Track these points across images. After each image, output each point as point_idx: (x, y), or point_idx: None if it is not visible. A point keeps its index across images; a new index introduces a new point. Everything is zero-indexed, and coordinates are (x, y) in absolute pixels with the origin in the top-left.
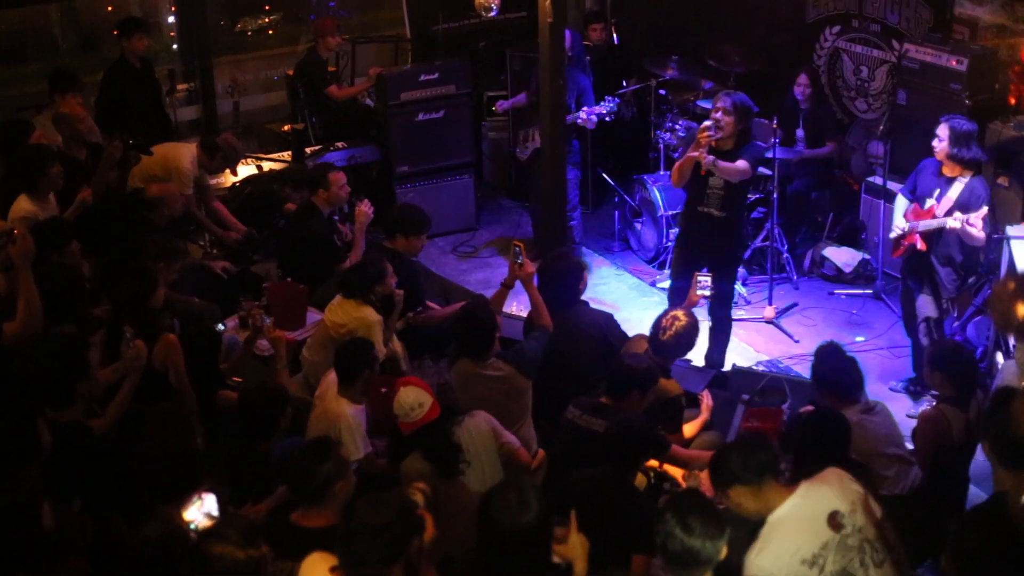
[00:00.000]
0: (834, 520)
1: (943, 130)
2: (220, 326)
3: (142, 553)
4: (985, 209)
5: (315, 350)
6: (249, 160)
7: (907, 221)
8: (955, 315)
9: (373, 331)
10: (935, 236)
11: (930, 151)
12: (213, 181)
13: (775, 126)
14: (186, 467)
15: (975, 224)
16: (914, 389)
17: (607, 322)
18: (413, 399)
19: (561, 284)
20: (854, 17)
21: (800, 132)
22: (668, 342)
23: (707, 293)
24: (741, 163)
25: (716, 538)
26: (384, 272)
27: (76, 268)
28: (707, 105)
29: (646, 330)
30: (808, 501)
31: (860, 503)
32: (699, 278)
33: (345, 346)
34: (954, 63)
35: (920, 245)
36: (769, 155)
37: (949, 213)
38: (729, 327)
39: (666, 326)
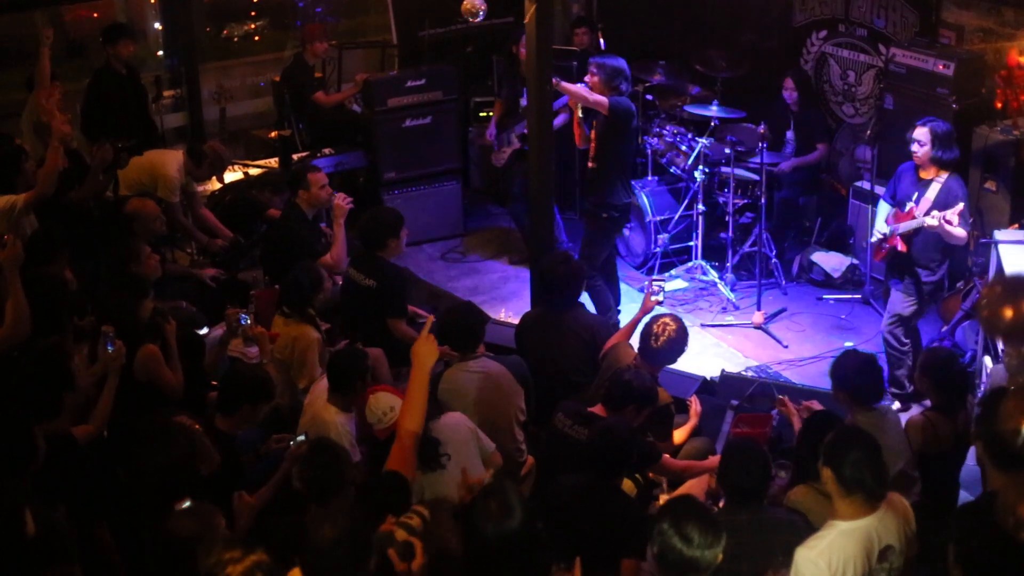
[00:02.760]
0: (885, 554)
1: (924, 134)
2: (204, 330)
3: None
4: (961, 205)
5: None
6: (236, 167)
7: (888, 225)
8: (942, 320)
9: (311, 351)
10: (914, 237)
11: None
12: (199, 188)
13: (763, 131)
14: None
15: (952, 221)
16: (895, 391)
17: (599, 325)
18: (384, 404)
19: (564, 287)
20: (840, 22)
21: (790, 134)
22: (661, 349)
23: (661, 298)
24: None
25: (714, 545)
26: (319, 280)
27: (61, 277)
28: (694, 110)
29: (634, 335)
30: (879, 526)
31: (907, 545)
32: (654, 285)
33: (339, 356)
34: (941, 67)
35: (901, 247)
36: (756, 161)
37: (927, 214)
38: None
39: (658, 333)
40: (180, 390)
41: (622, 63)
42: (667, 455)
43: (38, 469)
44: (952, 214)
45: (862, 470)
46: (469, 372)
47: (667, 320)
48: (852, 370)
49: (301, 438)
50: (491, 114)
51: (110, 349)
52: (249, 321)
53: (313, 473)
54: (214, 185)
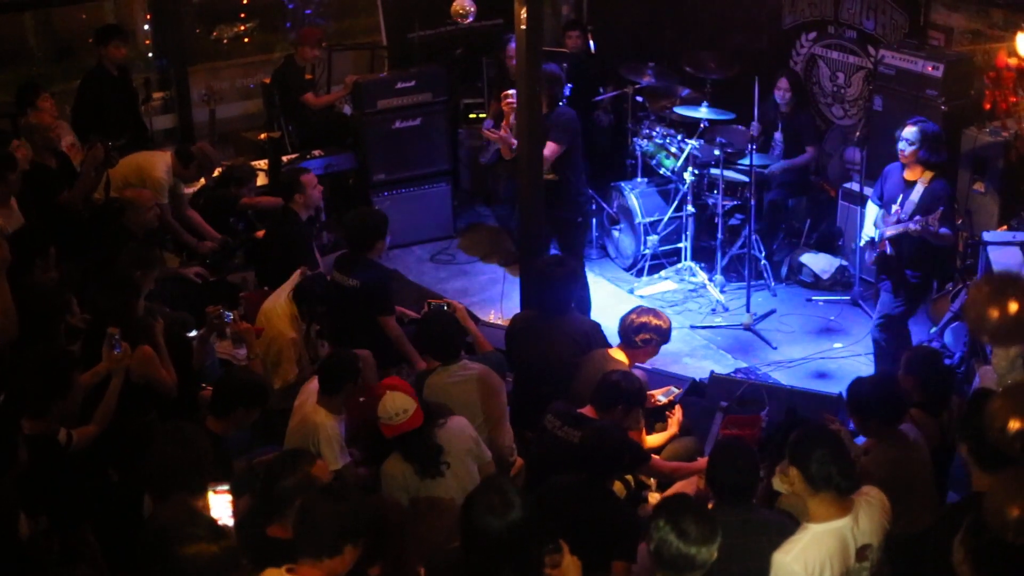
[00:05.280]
0: (863, 553)
1: (913, 133)
2: (192, 332)
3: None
4: (940, 210)
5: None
6: (225, 168)
7: (877, 228)
8: (932, 321)
9: (287, 350)
10: (900, 239)
11: None
12: (187, 190)
13: (752, 133)
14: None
15: (933, 226)
16: None
17: (592, 331)
18: (398, 405)
19: (556, 289)
20: (830, 23)
21: (778, 136)
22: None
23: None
24: (548, 147)
25: (710, 540)
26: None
27: (52, 285)
28: (684, 112)
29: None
30: (855, 526)
31: (883, 540)
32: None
33: (330, 359)
34: (930, 69)
35: (889, 250)
36: (745, 162)
37: (912, 217)
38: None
39: (645, 321)
40: (175, 388)
41: (554, 68)
42: (656, 457)
43: (20, 471)
44: (933, 219)
45: (828, 466)
46: (454, 378)
47: (654, 311)
48: (869, 394)
49: None
50: (481, 116)
51: (117, 351)
52: (232, 318)
53: (265, 482)
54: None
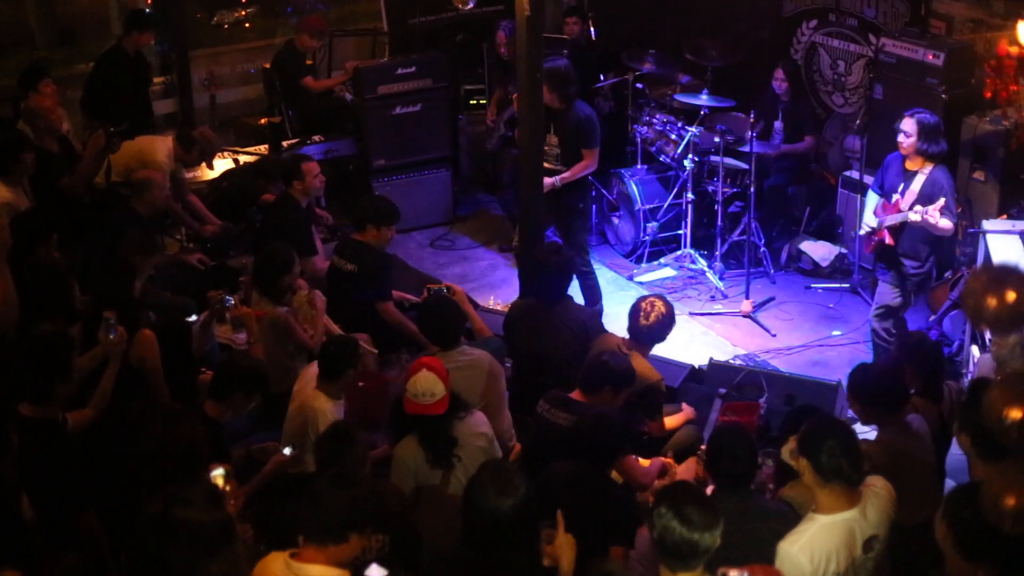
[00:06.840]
0: (870, 544)
1: (911, 125)
2: (192, 317)
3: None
4: (943, 200)
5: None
6: (226, 154)
7: (876, 217)
8: (931, 310)
9: (291, 329)
10: (900, 229)
11: None
12: (190, 175)
13: (752, 120)
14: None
15: (934, 215)
16: None
17: (590, 319)
18: (427, 387)
19: (551, 278)
20: (831, 11)
21: (778, 125)
22: (649, 327)
23: None
24: (588, 156)
25: (713, 527)
26: (290, 262)
27: (60, 264)
28: (684, 99)
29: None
30: (862, 519)
31: (889, 531)
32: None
33: (331, 344)
34: (931, 57)
35: (888, 239)
36: (746, 149)
37: (912, 207)
38: (592, 277)
39: (647, 311)
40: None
41: (563, 64)
42: (632, 458)
43: (15, 455)
44: (934, 209)
45: (838, 458)
46: (454, 364)
47: (656, 301)
48: (872, 381)
49: (287, 451)
50: (482, 102)
51: (112, 336)
52: (233, 302)
53: (331, 460)
54: (206, 173)
